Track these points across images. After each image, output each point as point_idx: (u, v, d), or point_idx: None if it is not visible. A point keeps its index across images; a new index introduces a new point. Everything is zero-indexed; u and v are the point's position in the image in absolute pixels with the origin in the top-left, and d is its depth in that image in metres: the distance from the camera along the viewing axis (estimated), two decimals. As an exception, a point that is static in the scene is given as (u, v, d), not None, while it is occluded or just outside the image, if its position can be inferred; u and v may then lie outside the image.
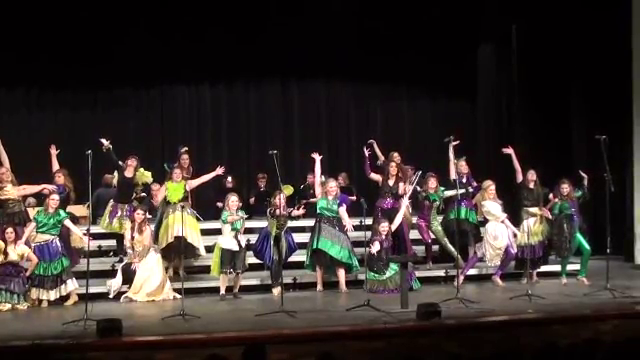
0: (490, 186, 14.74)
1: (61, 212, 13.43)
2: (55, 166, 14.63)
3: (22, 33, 17.50)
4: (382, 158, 16.09)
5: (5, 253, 12.97)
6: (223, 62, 18.91)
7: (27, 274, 13.08)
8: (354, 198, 15.36)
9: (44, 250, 13.20)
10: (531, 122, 18.85)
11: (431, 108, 20.85)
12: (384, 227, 14.17)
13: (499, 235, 14.46)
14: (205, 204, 16.80)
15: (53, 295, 13.15)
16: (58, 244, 13.29)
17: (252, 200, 17.42)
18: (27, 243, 13.25)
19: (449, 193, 15.09)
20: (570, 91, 18.72)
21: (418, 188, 15.40)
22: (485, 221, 14.93)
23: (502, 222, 14.52)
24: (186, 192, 14.47)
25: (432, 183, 15.21)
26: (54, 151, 14.74)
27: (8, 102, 18.60)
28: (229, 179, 17.43)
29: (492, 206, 14.61)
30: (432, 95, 20.76)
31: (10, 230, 13.12)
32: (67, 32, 17.69)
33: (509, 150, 15.00)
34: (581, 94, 18.53)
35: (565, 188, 14.67)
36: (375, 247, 13.85)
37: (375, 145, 16.26)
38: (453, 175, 14.96)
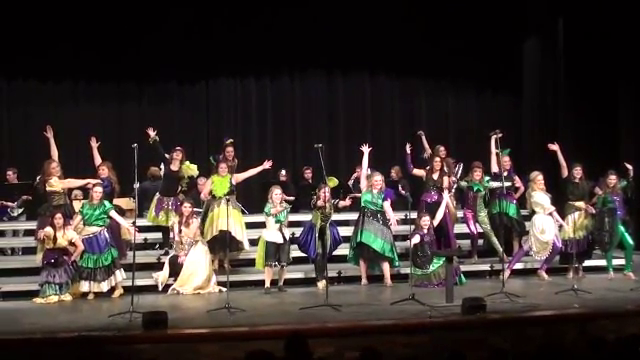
0: (538, 176, 14.62)
1: (106, 203, 13.44)
2: (97, 159, 14.61)
3: (70, 27, 17.68)
4: (429, 151, 16.05)
5: (54, 239, 13.06)
6: (268, 56, 18.99)
7: (72, 258, 13.07)
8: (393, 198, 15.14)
9: (93, 243, 13.20)
10: (577, 117, 18.66)
11: (476, 103, 20.81)
12: (426, 221, 14.11)
13: (546, 229, 14.34)
14: (250, 197, 16.87)
15: (105, 286, 13.17)
16: (106, 235, 13.30)
17: (298, 193, 17.44)
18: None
19: (494, 184, 14.97)
20: (617, 85, 18.51)
21: (456, 180, 15.36)
22: (529, 216, 14.86)
23: (550, 214, 14.43)
24: (232, 186, 14.39)
25: (477, 173, 15.14)
26: (94, 143, 14.68)
27: (56, 95, 18.88)
28: (283, 172, 17.51)
29: (541, 197, 14.49)
30: (477, 89, 20.74)
31: (59, 216, 13.13)
32: (114, 26, 17.86)
33: (555, 147, 14.86)
34: (629, 88, 18.32)
35: (613, 179, 14.52)
36: (414, 239, 13.78)
37: (423, 137, 16.24)
38: (494, 168, 14.92)
